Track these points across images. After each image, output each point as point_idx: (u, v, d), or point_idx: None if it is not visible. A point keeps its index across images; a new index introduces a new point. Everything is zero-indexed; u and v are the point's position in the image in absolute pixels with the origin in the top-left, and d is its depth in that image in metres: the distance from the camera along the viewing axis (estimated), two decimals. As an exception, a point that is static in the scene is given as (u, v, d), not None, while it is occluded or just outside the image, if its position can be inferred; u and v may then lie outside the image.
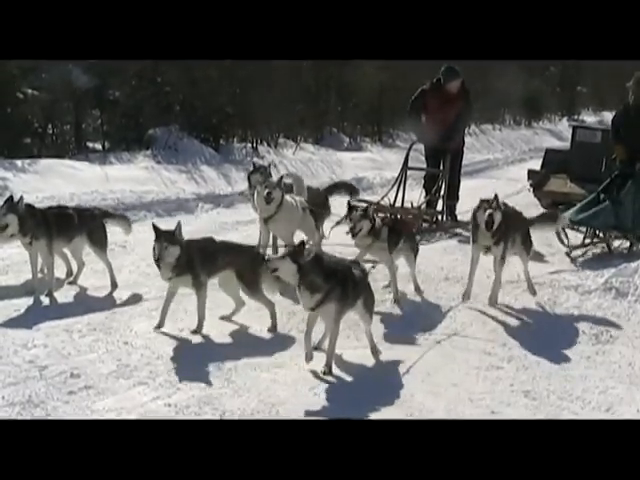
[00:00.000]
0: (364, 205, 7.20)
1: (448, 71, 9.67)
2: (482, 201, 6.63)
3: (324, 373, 5.10)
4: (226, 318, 6.08)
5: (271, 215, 7.40)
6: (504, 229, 6.58)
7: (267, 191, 7.30)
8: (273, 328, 5.93)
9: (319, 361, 5.26)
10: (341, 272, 5.13)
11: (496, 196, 6.61)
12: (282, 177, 7.75)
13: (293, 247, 5.14)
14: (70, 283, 6.91)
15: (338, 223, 8.32)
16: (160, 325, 5.81)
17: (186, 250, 5.67)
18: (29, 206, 6.51)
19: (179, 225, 5.68)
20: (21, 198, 6.47)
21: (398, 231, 6.84)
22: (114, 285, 6.76)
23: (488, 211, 6.47)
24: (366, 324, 5.47)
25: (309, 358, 5.17)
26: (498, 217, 6.49)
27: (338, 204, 8.63)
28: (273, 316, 5.95)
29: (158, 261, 5.60)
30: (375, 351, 5.49)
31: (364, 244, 6.67)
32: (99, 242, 6.82)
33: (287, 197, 7.52)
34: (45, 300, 6.42)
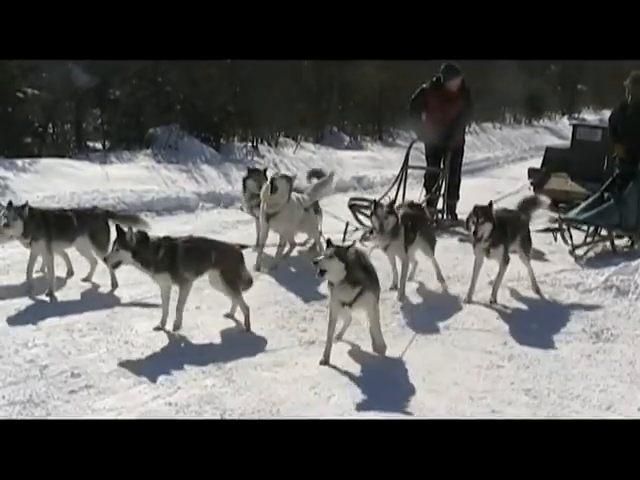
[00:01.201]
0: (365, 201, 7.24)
1: (448, 69, 9.68)
2: (475, 208, 6.69)
3: (379, 351, 5.40)
4: (229, 316, 6.08)
5: (275, 212, 7.41)
6: (499, 234, 6.66)
7: (272, 178, 7.32)
8: (247, 328, 5.90)
9: (319, 358, 5.30)
10: (370, 265, 5.37)
11: (490, 204, 6.68)
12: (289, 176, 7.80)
13: (337, 246, 5.24)
14: (84, 280, 6.93)
15: (350, 231, 8.39)
16: (162, 325, 5.81)
17: (166, 248, 5.69)
18: (30, 208, 6.53)
19: (130, 231, 5.67)
20: (26, 203, 6.56)
21: (414, 226, 6.92)
22: (114, 284, 6.76)
23: (473, 226, 6.57)
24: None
25: (328, 357, 5.29)
26: (486, 228, 6.57)
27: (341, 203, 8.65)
28: (247, 317, 5.93)
29: (105, 261, 5.78)
30: (380, 347, 5.49)
31: (383, 244, 6.74)
32: (100, 242, 6.81)
33: (292, 196, 7.55)
34: (45, 299, 6.41)
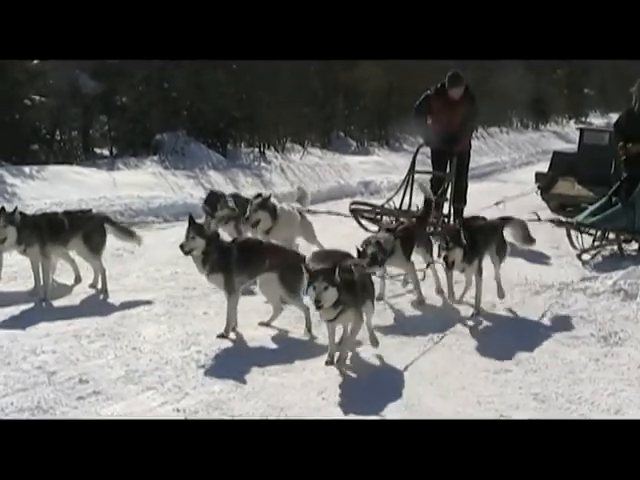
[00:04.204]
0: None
1: (451, 78, 9.66)
2: (446, 232, 6.67)
3: (338, 363, 5.29)
4: (264, 324, 6.06)
5: (270, 227, 7.43)
6: (472, 250, 6.49)
7: (246, 217, 7.34)
8: (309, 330, 5.90)
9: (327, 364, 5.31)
10: (350, 278, 5.21)
11: (459, 230, 6.50)
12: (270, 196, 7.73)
13: (325, 272, 5.06)
14: (91, 286, 6.89)
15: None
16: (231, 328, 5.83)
17: (222, 249, 5.74)
18: (22, 214, 6.54)
19: (208, 220, 5.73)
20: (15, 209, 6.55)
21: (410, 237, 6.83)
22: (104, 290, 6.74)
23: (443, 254, 6.40)
24: (369, 316, 5.54)
25: (332, 361, 5.32)
26: (455, 255, 6.37)
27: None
28: (308, 319, 5.92)
29: (182, 248, 5.70)
30: (374, 341, 5.56)
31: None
32: (92, 245, 6.77)
33: (284, 206, 7.54)
34: (54, 305, 6.43)
